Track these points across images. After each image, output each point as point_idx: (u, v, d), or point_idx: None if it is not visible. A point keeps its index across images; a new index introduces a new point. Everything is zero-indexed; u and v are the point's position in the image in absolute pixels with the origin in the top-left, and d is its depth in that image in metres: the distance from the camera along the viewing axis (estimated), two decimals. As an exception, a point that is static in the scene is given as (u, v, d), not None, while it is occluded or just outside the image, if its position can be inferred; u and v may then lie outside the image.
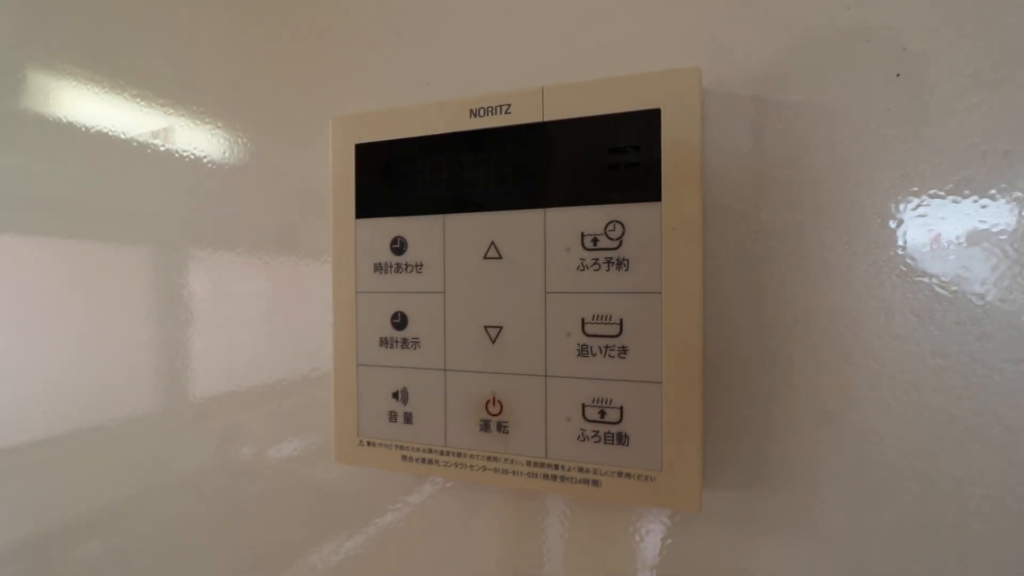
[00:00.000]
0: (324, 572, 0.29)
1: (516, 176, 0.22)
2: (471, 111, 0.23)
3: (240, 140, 0.32)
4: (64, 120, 0.37)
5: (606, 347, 0.21)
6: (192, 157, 0.33)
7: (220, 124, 0.32)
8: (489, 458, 0.23)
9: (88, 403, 0.37)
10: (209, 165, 0.32)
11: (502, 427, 0.22)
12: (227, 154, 0.32)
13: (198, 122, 0.33)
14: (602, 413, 0.21)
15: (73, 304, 0.37)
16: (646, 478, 0.20)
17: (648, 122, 0.20)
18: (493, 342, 0.22)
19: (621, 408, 0.21)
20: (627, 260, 0.21)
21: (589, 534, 0.24)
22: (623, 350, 0.21)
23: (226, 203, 0.32)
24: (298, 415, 0.30)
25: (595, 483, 0.21)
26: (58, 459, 0.38)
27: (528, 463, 0.22)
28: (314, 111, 0.29)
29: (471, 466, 0.23)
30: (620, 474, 0.21)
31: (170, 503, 0.34)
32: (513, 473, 0.22)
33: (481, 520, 0.26)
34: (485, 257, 0.22)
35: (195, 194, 0.33)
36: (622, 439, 0.21)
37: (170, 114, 0.33)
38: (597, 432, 0.21)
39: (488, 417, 0.23)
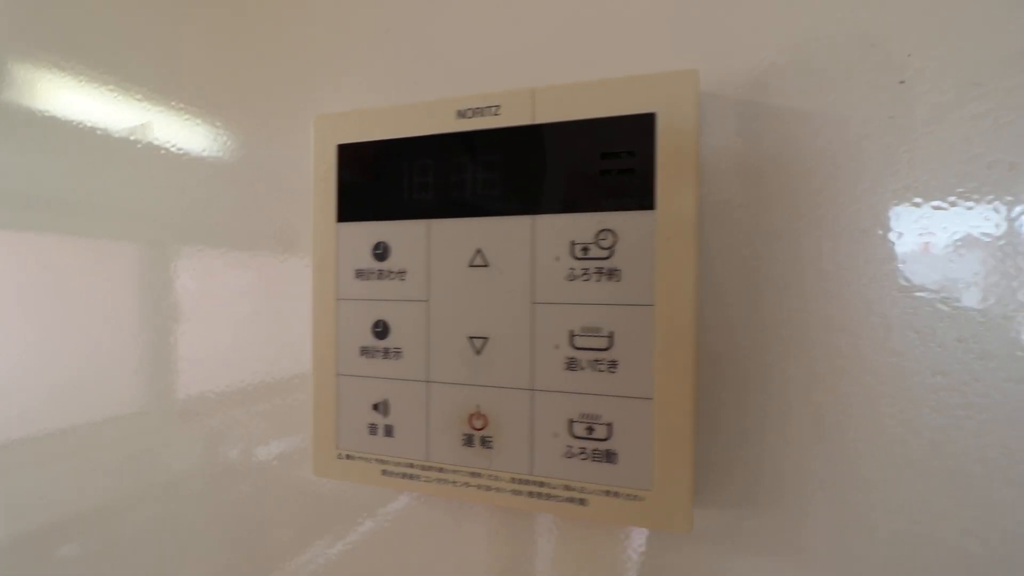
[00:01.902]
0: (310, 575, 0.28)
1: (504, 181, 0.21)
2: (458, 112, 0.22)
3: (230, 137, 0.30)
4: (47, 114, 0.36)
5: (595, 361, 0.20)
6: (182, 154, 0.32)
7: (209, 120, 0.31)
8: (472, 474, 0.22)
9: (70, 403, 0.36)
10: (200, 162, 0.31)
11: (486, 442, 0.21)
12: (218, 151, 0.31)
13: (188, 118, 0.31)
14: (590, 429, 0.20)
15: (55, 301, 0.36)
16: (634, 497, 0.19)
17: (643, 126, 0.19)
18: (478, 353, 0.22)
19: (610, 424, 0.20)
20: (618, 270, 0.20)
21: (576, 551, 0.24)
22: (613, 364, 0.20)
23: (217, 201, 0.31)
24: (286, 416, 0.29)
25: (582, 501, 0.20)
26: (40, 459, 0.37)
27: (512, 480, 0.21)
28: (305, 108, 0.28)
29: (453, 482, 0.22)
30: (608, 493, 0.20)
31: (155, 504, 0.33)
32: (497, 490, 0.21)
33: (470, 527, 0.25)
34: (471, 265, 0.22)
35: (185, 191, 0.32)
36: (610, 456, 0.20)
37: (156, 109, 0.32)
38: (584, 449, 0.20)
39: (472, 431, 0.22)
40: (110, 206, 0.34)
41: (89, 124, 0.34)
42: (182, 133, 0.31)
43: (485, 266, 0.21)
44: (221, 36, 0.31)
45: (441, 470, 0.22)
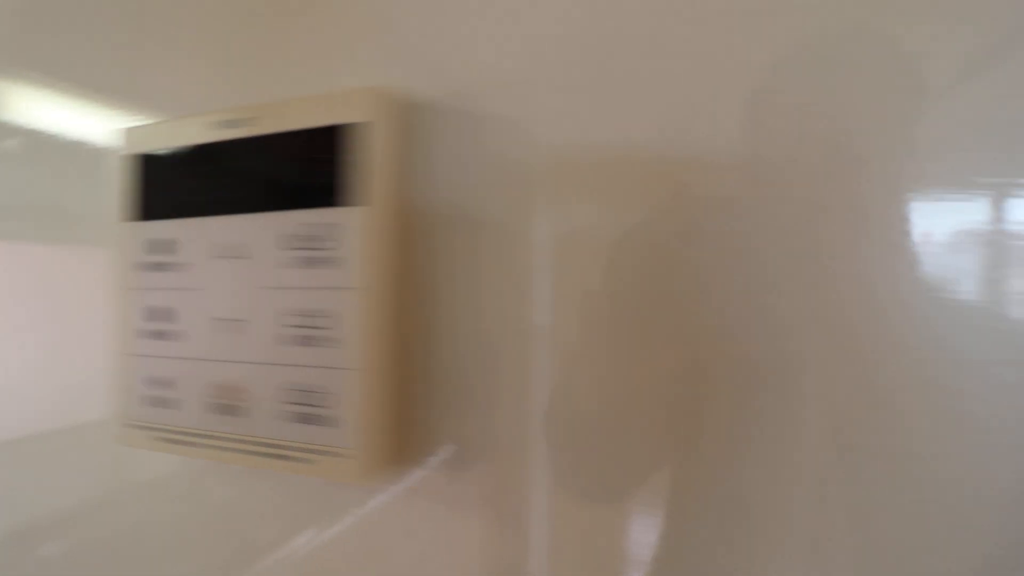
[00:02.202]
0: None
1: (249, 183, 0.24)
2: (218, 124, 0.25)
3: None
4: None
5: (319, 338, 0.23)
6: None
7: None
8: (228, 439, 0.25)
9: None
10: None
11: (238, 411, 0.25)
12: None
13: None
14: (315, 398, 0.23)
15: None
16: (343, 456, 0.22)
17: (351, 134, 0.23)
18: (234, 334, 0.25)
19: (330, 393, 0.23)
20: (336, 259, 0.23)
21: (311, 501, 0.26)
22: (331, 341, 0.23)
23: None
24: None
25: (308, 461, 0.23)
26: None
27: (258, 444, 0.24)
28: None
29: (215, 447, 0.25)
30: (326, 453, 0.23)
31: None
32: (247, 453, 0.24)
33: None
34: (229, 256, 0.25)
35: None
36: (329, 421, 0.23)
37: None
38: (310, 415, 0.23)
39: (228, 402, 0.25)
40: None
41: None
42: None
43: (239, 257, 0.25)
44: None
45: (205, 436, 0.25)
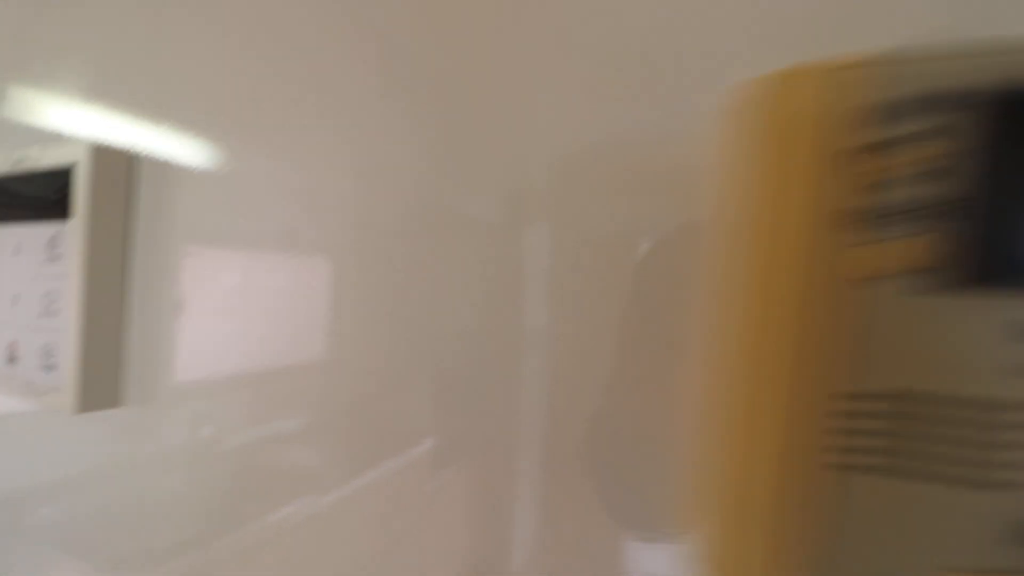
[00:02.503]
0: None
1: (26, 202, 0.35)
2: (13, 160, 0.36)
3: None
4: None
5: (55, 311, 0.33)
6: None
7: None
8: (14, 380, 0.36)
9: None
10: None
11: (17, 361, 0.35)
12: None
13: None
14: (50, 350, 0.33)
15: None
16: (61, 392, 0.33)
17: (71, 171, 0.33)
18: (17, 307, 0.36)
19: (57, 347, 0.33)
20: (62, 256, 0.33)
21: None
22: (59, 313, 0.33)
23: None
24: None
25: (48, 395, 0.34)
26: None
27: (26, 384, 0.35)
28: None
29: (10, 386, 0.36)
30: (55, 390, 0.33)
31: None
32: (24, 392, 0.35)
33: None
34: (15, 254, 0.36)
35: None
36: (55, 367, 0.33)
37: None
38: (48, 364, 0.34)
39: (13, 355, 0.36)
40: None
41: None
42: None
43: (19, 254, 0.35)
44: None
45: (5, 378, 0.36)
